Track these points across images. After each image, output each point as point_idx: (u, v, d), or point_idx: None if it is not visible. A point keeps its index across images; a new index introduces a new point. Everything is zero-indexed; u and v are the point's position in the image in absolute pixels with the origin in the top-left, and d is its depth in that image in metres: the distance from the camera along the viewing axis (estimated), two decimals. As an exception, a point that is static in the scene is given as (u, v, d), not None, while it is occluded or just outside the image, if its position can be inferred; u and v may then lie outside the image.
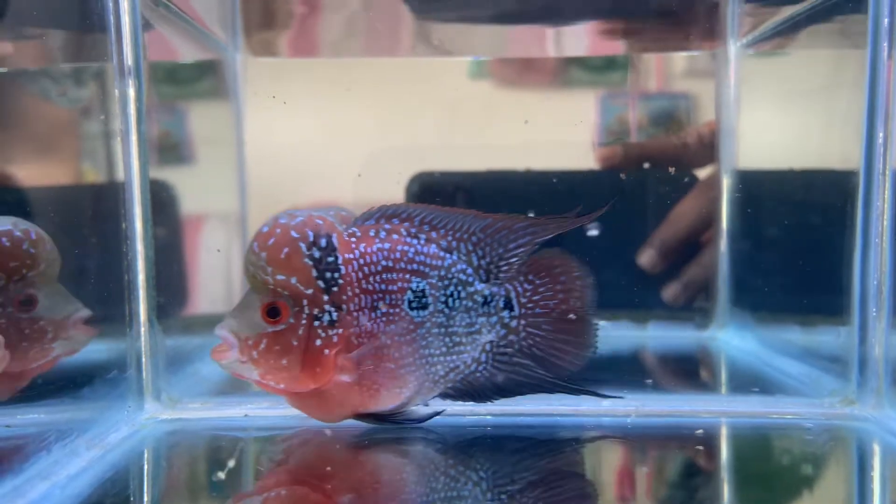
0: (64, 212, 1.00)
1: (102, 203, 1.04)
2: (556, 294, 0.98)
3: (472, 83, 1.50)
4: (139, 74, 1.06)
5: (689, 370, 1.37)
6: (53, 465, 0.85)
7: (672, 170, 1.45)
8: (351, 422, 0.95)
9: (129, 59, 1.05)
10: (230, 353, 0.89)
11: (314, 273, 0.89)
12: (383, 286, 0.92)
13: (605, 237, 1.45)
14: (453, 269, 0.95)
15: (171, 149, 1.38)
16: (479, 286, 0.96)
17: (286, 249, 0.88)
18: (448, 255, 0.95)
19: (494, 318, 0.96)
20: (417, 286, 0.93)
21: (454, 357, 0.95)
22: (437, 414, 0.97)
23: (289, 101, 1.41)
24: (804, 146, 1.27)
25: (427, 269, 0.93)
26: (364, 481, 0.85)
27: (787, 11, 1.24)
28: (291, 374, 0.89)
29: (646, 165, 1.46)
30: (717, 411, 1.07)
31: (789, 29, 1.26)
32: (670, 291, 1.46)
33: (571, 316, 0.99)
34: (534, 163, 1.47)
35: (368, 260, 0.91)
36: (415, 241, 0.94)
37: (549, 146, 1.45)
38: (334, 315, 0.89)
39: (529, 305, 0.97)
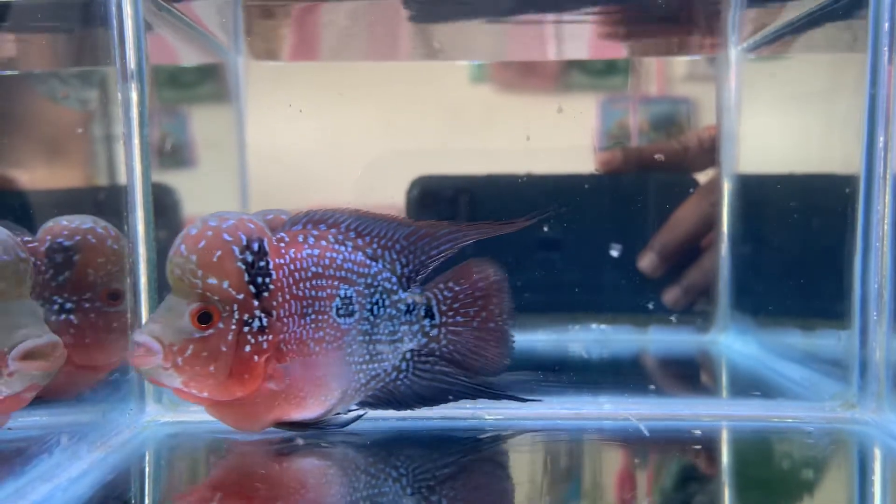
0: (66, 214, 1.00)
1: (105, 206, 1.04)
2: (476, 301, 0.99)
3: (472, 87, 1.50)
4: (142, 78, 1.06)
5: (690, 374, 1.37)
6: (55, 468, 0.86)
7: (659, 156, 1.45)
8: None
9: (131, 63, 1.05)
10: (154, 358, 0.84)
11: (246, 277, 0.86)
12: (313, 292, 0.90)
13: (606, 241, 1.45)
14: (379, 277, 0.95)
15: (172, 152, 1.38)
16: (403, 294, 0.96)
17: (219, 252, 0.85)
18: (374, 263, 0.94)
19: (416, 327, 0.97)
20: (345, 293, 0.92)
21: (376, 365, 0.95)
22: (359, 418, 0.96)
23: (290, 105, 1.42)
24: (805, 150, 1.27)
25: (354, 277, 0.93)
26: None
27: (788, 16, 1.24)
28: (218, 382, 0.86)
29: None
30: (719, 415, 1.07)
31: (790, 33, 1.26)
32: (671, 295, 1.46)
33: (491, 325, 0.99)
34: (535, 167, 1.47)
35: (299, 266, 0.89)
36: (342, 248, 0.93)
37: (549, 150, 1.46)
38: (264, 321, 0.87)
39: (450, 314, 0.98)
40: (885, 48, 1.01)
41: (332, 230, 0.93)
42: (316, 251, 0.91)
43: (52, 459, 0.86)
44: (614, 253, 1.43)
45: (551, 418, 1.05)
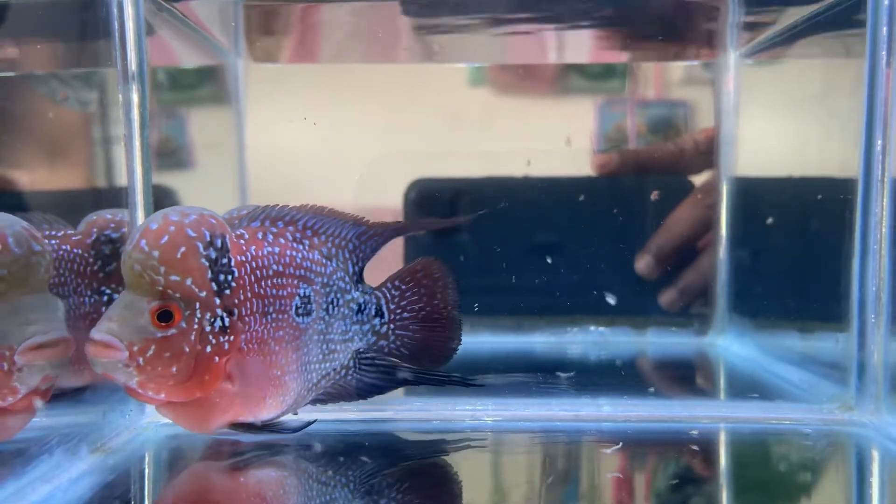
0: (67, 217, 1.00)
1: (105, 208, 1.04)
2: (421, 297, 1.00)
3: (471, 90, 1.51)
4: (143, 80, 1.06)
5: (688, 376, 1.37)
6: (55, 469, 0.86)
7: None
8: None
9: (132, 65, 1.04)
10: (116, 352, 0.80)
11: (209, 275, 0.83)
12: (274, 291, 0.88)
13: (606, 243, 1.46)
14: (334, 277, 0.94)
15: (171, 154, 1.38)
16: (355, 294, 0.97)
17: (182, 248, 0.81)
18: (329, 262, 0.94)
19: (367, 326, 0.98)
20: (304, 292, 0.91)
21: (327, 364, 0.95)
22: (312, 423, 0.95)
23: (289, 107, 1.42)
24: (803, 154, 1.28)
25: (312, 276, 0.92)
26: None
27: (787, 21, 1.24)
28: (178, 382, 0.82)
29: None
30: (717, 417, 1.07)
31: (788, 38, 1.26)
32: (667, 297, 1.47)
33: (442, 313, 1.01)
34: (532, 169, 1.47)
35: (260, 263, 0.87)
36: (300, 247, 0.92)
37: (547, 153, 1.46)
38: (226, 320, 0.84)
39: (398, 311, 0.99)
40: (883, 53, 1.01)
41: (290, 227, 0.93)
42: (276, 249, 0.90)
43: (52, 460, 0.86)
44: (611, 301, 1.43)
45: (550, 420, 1.05)
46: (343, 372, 0.97)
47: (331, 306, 0.94)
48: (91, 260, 0.98)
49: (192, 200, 1.33)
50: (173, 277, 0.81)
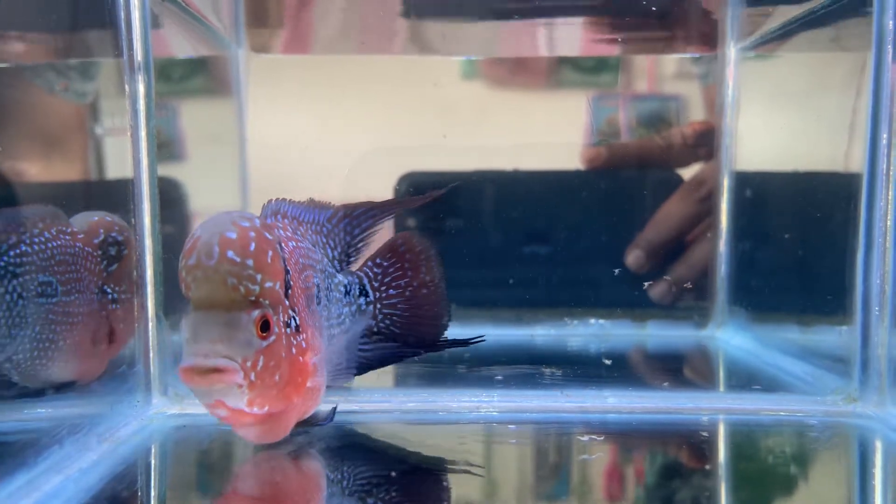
0: (73, 208, 0.99)
1: (110, 199, 1.04)
2: (406, 273, 1.00)
3: (464, 83, 1.51)
4: (148, 70, 1.05)
5: (689, 368, 1.38)
6: (66, 459, 0.85)
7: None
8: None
9: (138, 55, 1.04)
10: (236, 375, 0.75)
11: (286, 276, 0.80)
12: (307, 283, 0.87)
13: (604, 238, 1.46)
14: (324, 262, 0.94)
15: (170, 145, 1.37)
16: (339, 277, 0.96)
17: (270, 253, 0.77)
18: (317, 249, 0.94)
19: (353, 307, 0.97)
20: (316, 281, 0.90)
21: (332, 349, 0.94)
22: (335, 409, 0.94)
23: (287, 98, 1.42)
24: (805, 147, 1.28)
25: (315, 264, 0.91)
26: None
27: (788, 15, 1.25)
28: (279, 390, 0.79)
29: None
30: (719, 408, 1.07)
31: (790, 32, 1.27)
32: (658, 290, 1.47)
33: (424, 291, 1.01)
34: (523, 163, 1.47)
35: (295, 258, 0.86)
36: (301, 238, 0.91)
37: (538, 147, 1.46)
38: (297, 319, 0.81)
39: (382, 289, 0.99)
40: (889, 47, 1.01)
41: (285, 220, 0.92)
42: (293, 243, 0.88)
43: (62, 451, 0.85)
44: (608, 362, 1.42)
45: (555, 411, 1.05)
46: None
47: (327, 292, 0.94)
48: (99, 258, 0.99)
49: (196, 192, 1.32)
50: (268, 284, 0.77)
